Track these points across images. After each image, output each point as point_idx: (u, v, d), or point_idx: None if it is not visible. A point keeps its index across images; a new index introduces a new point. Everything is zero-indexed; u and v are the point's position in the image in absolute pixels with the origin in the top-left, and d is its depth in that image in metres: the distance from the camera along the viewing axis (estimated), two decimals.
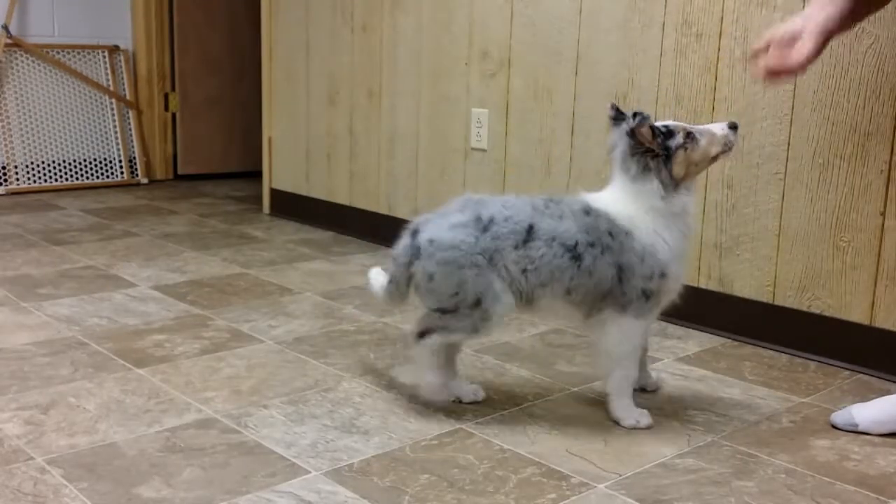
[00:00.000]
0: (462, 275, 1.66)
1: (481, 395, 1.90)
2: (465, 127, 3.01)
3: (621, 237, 1.69)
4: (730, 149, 1.74)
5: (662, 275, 1.70)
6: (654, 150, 1.68)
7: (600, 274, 1.68)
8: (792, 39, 1.69)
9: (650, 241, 1.69)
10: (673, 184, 1.69)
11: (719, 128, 1.73)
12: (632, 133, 1.67)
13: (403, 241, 1.74)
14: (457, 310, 1.69)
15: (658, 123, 1.70)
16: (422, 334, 1.74)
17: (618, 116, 1.72)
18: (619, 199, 1.72)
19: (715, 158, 1.74)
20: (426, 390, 1.79)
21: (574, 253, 1.67)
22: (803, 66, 1.68)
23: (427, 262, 1.68)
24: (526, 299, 1.71)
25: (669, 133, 1.69)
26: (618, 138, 1.72)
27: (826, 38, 1.69)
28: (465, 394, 1.87)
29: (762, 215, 2.28)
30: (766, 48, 1.72)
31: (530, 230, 1.68)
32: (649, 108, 2.41)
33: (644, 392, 1.94)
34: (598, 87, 2.59)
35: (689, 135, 1.70)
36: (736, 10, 2.26)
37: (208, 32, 4.70)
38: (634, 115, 1.67)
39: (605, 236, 1.68)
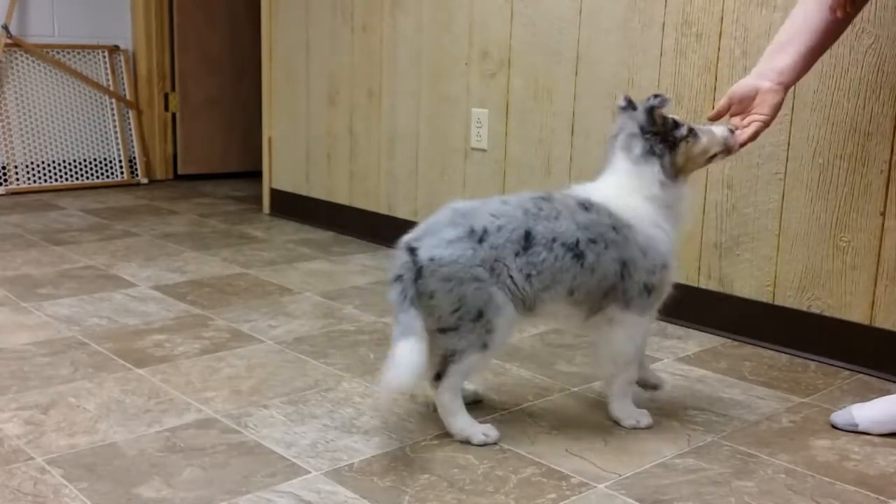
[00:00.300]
0: (462, 290, 1.62)
1: (481, 394, 1.90)
2: (465, 127, 3.01)
3: (624, 231, 1.68)
4: (728, 151, 1.77)
5: (664, 266, 1.71)
6: (663, 134, 1.70)
7: (603, 270, 1.67)
8: (750, 99, 1.79)
9: (651, 234, 1.69)
10: (673, 172, 1.71)
11: (720, 130, 1.77)
12: (650, 111, 1.68)
13: (402, 259, 1.66)
14: (458, 327, 1.64)
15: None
16: (438, 376, 1.68)
17: (629, 107, 1.74)
18: (618, 189, 1.71)
19: (711, 159, 1.77)
20: (478, 440, 1.69)
21: (576, 251, 1.65)
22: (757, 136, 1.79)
23: (429, 280, 1.63)
24: (528, 306, 1.68)
25: (676, 124, 1.72)
26: (625, 122, 1.73)
27: (786, 90, 1.79)
28: (464, 394, 1.86)
29: (762, 215, 2.28)
30: (727, 108, 1.81)
31: (528, 237, 1.64)
32: None
33: (647, 388, 1.89)
34: (598, 87, 2.59)
35: (692, 130, 1.74)
36: (736, 10, 2.26)
37: (208, 32, 4.70)
38: (656, 96, 1.69)
39: (609, 231, 1.67)
